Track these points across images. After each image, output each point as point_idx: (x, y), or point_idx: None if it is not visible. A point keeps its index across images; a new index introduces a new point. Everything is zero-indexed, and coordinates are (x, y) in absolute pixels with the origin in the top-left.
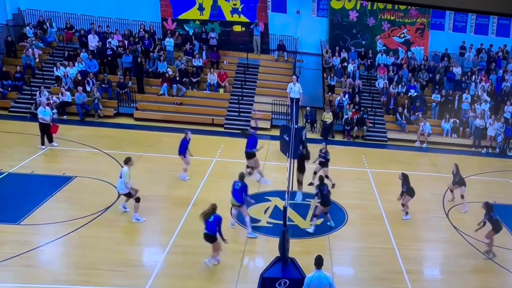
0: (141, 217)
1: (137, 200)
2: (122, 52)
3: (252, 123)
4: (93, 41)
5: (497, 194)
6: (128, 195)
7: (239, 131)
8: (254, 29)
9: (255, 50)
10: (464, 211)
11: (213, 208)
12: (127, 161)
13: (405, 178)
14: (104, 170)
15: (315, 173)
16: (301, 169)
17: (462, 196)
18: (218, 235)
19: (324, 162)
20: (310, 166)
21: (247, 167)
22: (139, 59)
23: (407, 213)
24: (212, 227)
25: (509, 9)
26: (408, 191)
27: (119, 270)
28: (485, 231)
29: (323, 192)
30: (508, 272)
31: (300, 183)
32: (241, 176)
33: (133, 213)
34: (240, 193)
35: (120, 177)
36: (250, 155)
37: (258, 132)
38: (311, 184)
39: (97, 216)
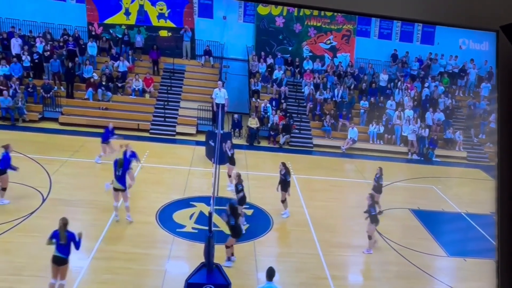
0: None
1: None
2: (48, 55)
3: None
4: (16, 45)
5: (420, 200)
6: None
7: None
8: (183, 35)
9: (184, 56)
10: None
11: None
12: None
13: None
14: (28, 175)
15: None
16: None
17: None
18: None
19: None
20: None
21: None
22: (70, 64)
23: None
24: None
25: (432, 17)
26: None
27: (43, 276)
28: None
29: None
30: (430, 277)
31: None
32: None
33: None
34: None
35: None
36: None
37: (184, 137)
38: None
39: (20, 222)
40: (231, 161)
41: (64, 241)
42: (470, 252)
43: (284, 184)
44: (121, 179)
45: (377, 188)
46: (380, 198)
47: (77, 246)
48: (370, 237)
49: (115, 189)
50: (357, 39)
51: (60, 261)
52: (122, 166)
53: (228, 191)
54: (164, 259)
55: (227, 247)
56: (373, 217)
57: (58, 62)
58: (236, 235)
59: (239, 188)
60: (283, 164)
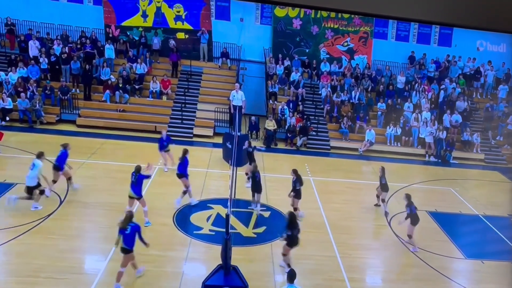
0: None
1: (42, 192)
2: (65, 58)
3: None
4: (33, 47)
5: (437, 203)
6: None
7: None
8: (201, 37)
9: (202, 58)
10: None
11: (130, 216)
12: (40, 155)
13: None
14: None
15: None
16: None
17: (383, 200)
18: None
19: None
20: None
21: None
22: (87, 67)
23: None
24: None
25: (450, 19)
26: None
27: (60, 277)
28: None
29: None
30: (449, 279)
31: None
32: (138, 169)
33: (33, 203)
34: (138, 186)
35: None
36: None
37: (201, 139)
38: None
39: (38, 224)
40: (251, 160)
41: (124, 228)
42: (488, 254)
43: (294, 191)
44: (135, 187)
45: (384, 187)
46: (398, 201)
47: (140, 237)
48: (410, 236)
49: (130, 197)
50: (374, 41)
51: (124, 251)
52: (138, 174)
53: (246, 188)
54: (181, 261)
55: (283, 255)
56: (414, 216)
57: (78, 64)
58: (291, 244)
59: (257, 177)
60: (295, 172)
